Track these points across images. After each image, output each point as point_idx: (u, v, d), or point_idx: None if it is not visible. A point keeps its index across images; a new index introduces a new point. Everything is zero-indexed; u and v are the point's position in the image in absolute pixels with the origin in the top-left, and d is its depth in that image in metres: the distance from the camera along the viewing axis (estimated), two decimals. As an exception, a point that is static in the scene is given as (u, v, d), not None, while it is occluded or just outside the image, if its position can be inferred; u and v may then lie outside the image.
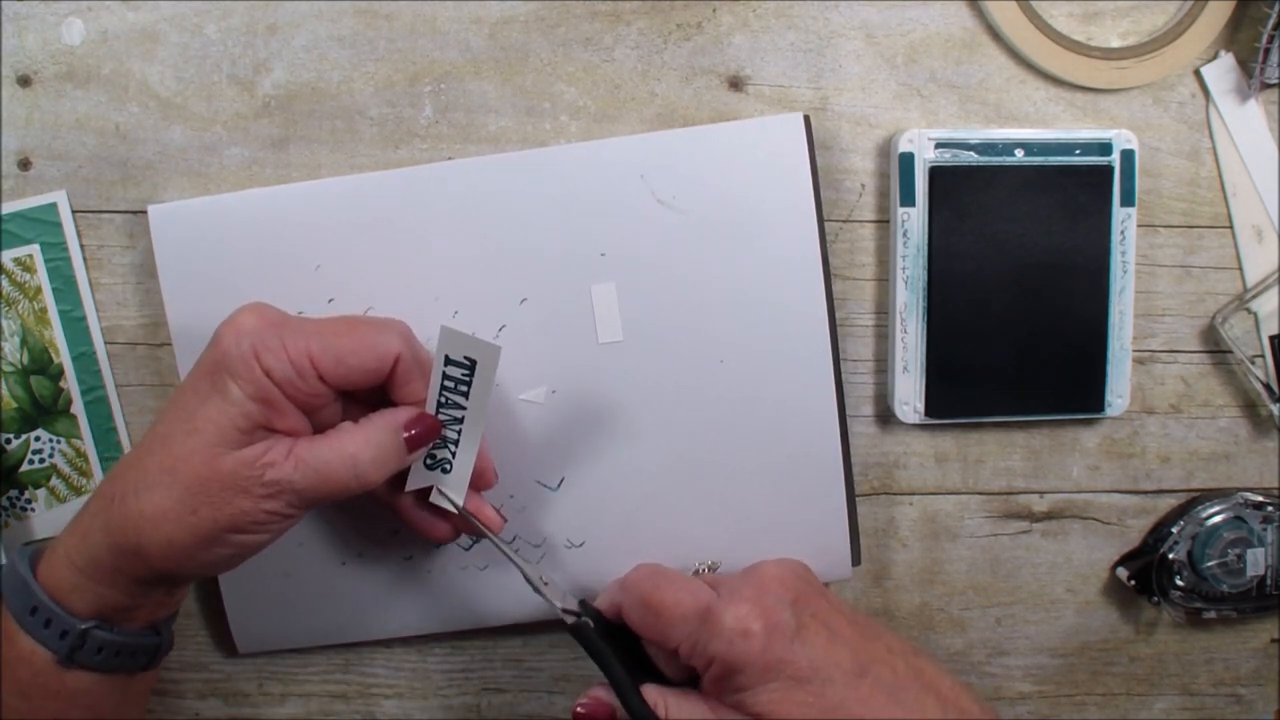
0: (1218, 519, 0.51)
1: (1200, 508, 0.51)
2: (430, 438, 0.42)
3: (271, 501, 0.39)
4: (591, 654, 0.42)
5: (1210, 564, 0.51)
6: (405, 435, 0.41)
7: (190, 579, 0.42)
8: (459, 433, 0.42)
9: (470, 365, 0.40)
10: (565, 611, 0.43)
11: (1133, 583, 0.52)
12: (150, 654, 0.42)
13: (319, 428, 0.41)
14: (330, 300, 0.47)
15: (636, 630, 0.42)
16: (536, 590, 0.43)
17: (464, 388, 0.41)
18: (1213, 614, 0.52)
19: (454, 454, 0.43)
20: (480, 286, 0.47)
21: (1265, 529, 0.51)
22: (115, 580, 0.39)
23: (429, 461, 0.43)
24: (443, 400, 0.41)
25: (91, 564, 0.39)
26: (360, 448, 0.40)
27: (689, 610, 0.40)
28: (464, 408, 0.41)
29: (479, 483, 0.44)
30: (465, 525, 0.45)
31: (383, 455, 0.40)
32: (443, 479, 0.43)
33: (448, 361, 0.40)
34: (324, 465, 0.39)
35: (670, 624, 0.40)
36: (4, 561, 0.43)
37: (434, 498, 0.43)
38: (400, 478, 0.43)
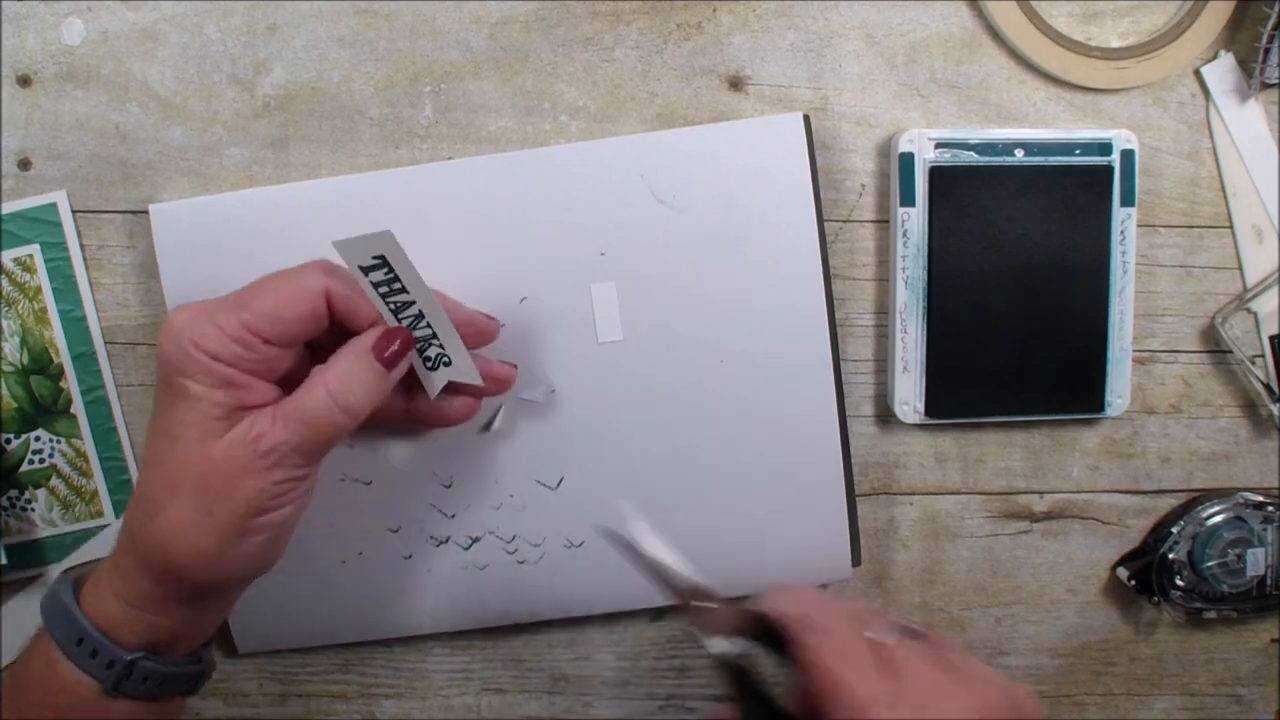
0: (1218, 519, 0.51)
1: (1200, 508, 0.51)
2: (404, 349, 0.41)
3: (276, 470, 0.38)
4: (739, 694, 0.40)
5: (1210, 564, 0.51)
6: (377, 357, 0.40)
7: (237, 582, 0.41)
8: (428, 323, 0.41)
9: (383, 260, 0.40)
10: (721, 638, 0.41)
11: (1133, 583, 0.52)
12: (193, 681, 0.42)
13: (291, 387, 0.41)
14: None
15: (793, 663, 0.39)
16: (682, 599, 0.41)
17: (396, 284, 0.40)
18: (1213, 614, 0.52)
19: (441, 343, 0.42)
20: (480, 286, 0.47)
21: (1265, 529, 0.51)
22: (166, 608, 0.39)
23: (429, 364, 0.42)
24: (393, 307, 0.41)
25: (140, 598, 0.39)
26: (335, 381, 0.39)
27: (852, 701, 0.36)
28: (412, 300, 0.41)
29: (479, 339, 0.44)
30: (491, 389, 0.44)
31: (360, 381, 0.39)
32: (450, 372, 0.43)
33: (364, 271, 0.40)
34: (307, 412, 0.38)
35: (831, 702, 0.37)
36: None
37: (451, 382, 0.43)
38: (404, 390, 0.43)
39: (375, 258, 0.39)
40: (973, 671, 0.38)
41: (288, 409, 0.39)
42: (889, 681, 0.37)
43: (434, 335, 0.42)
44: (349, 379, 0.39)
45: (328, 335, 0.41)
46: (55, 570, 0.50)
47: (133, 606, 0.39)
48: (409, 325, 0.41)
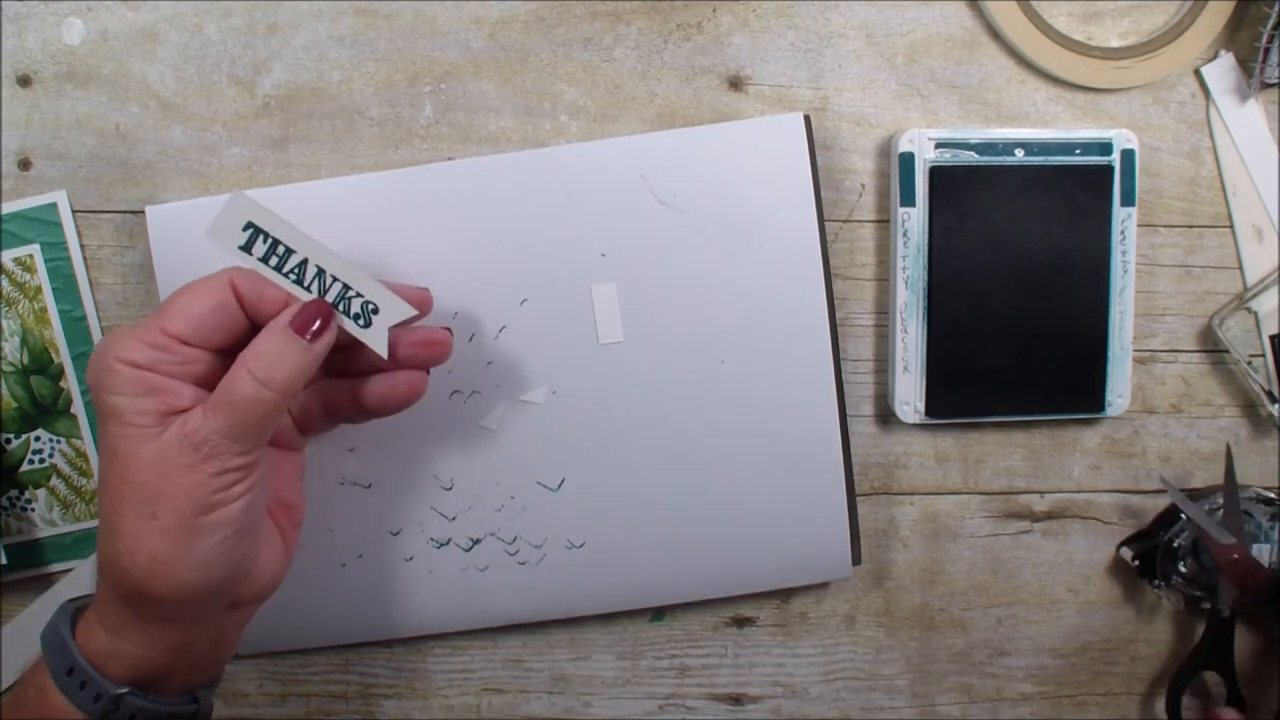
0: (1226, 512, 0.51)
1: (1210, 498, 0.51)
2: (321, 316, 0.39)
3: (213, 462, 0.37)
4: None
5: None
6: (297, 331, 0.39)
7: (206, 596, 0.39)
8: (331, 275, 0.40)
9: (253, 228, 0.39)
10: None
11: (1136, 563, 0.52)
12: None
13: None
14: (330, 300, 0.47)
15: None
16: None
17: (279, 247, 0.40)
18: (1211, 604, 0.52)
19: (356, 290, 0.40)
20: (481, 287, 0.47)
21: (1273, 526, 0.51)
22: (146, 633, 0.39)
23: (360, 321, 0.41)
24: (293, 275, 0.40)
25: (119, 625, 0.39)
26: (254, 359, 0.38)
27: None
28: (304, 258, 0.40)
29: (415, 305, 0.42)
30: (428, 346, 0.42)
31: (282, 356, 0.38)
32: (383, 318, 0.41)
33: (245, 250, 0.39)
34: (233, 395, 0.38)
35: None
36: None
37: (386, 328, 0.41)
38: (348, 379, 0.42)
39: (245, 229, 0.39)
40: None
41: (215, 398, 0.38)
42: None
43: (347, 287, 0.40)
44: (269, 355, 0.38)
45: (249, 337, 0.40)
46: (56, 569, 0.50)
47: (115, 635, 0.39)
48: (318, 288, 0.40)
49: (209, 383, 0.39)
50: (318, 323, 0.39)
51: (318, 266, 0.40)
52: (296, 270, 0.40)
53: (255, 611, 0.42)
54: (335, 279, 0.40)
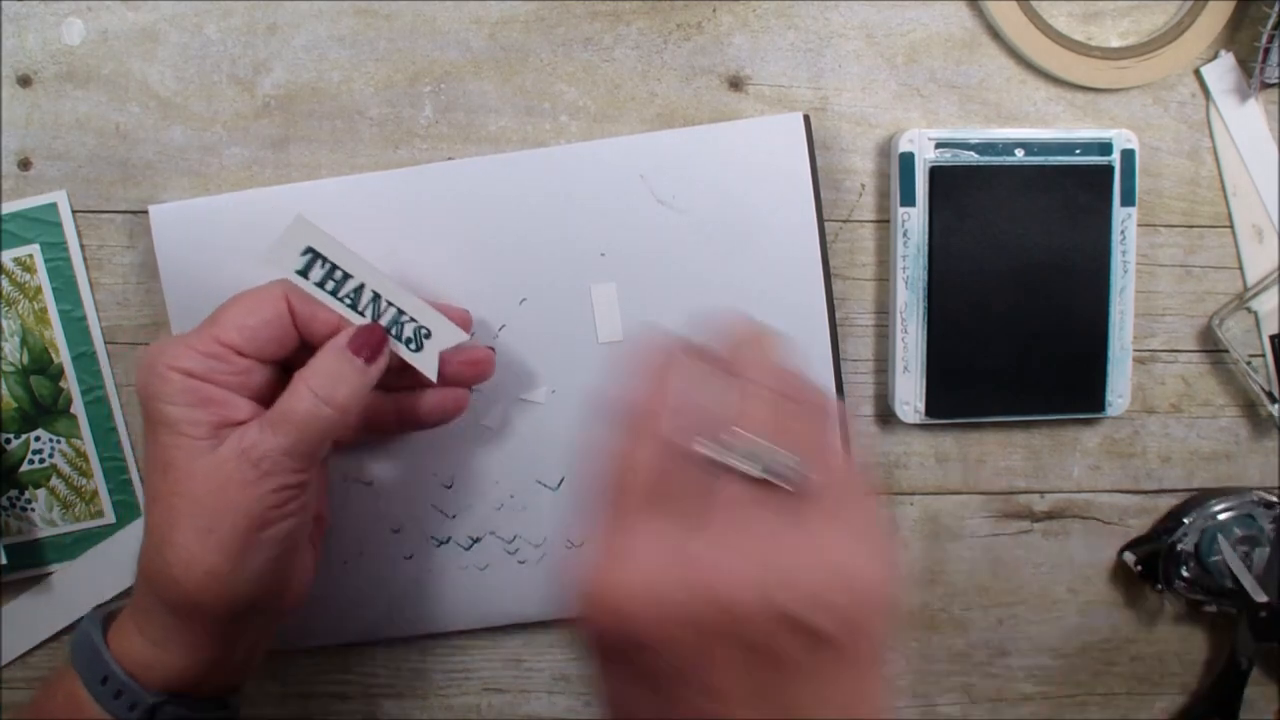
0: (1228, 515, 0.51)
1: (1212, 502, 0.51)
2: (376, 341, 0.40)
3: (271, 478, 0.38)
4: None
5: (1217, 558, 0.51)
6: (355, 352, 0.39)
7: (254, 610, 0.40)
8: (387, 300, 0.41)
9: (312, 253, 0.39)
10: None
11: (1139, 567, 0.52)
12: None
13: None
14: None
15: None
16: None
17: (337, 272, 0.40)
18: (1213, 608, 0.52)
19: (411, 315, 0.41)
20: (480, 286, 0.47)
21: (1276, 530, 0.51)
22: (189, 644, 0.39)
23: (411, 345, 0.42)
24: (348, 301, 0.40)
25: (163, 636, 0.39)
26: (314, 377, 0.39)
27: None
28: (360, 283, 0.40)
29: (463, 328, 0.43)
30: (473, 365, 0.43)
31: (342, 376, 0.39)
32: (435, 342, 0.42)
33: (302, 274, 0.40)
34: (294, 413, 0.38)
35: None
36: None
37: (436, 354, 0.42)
38: (392, 395, 0.43)
39: (304, 254, 0.39)
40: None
41: (274, 415, 0.38)
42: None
43: (400, 312, 0.41)
44: (329, 374, 0.39)
45: (302, 355, 0.41)
46: (56, 570, 0.50)
47: (156, 645, 0.39)
48: (371, 313, 0.41)
49: (261, 395, 0.40)
50: (362, 338, 0.40)
51: (374, 291, 0.41)
52: (352, 295, 0.40)
53: (285, 621, 0.43)
54: (390, 304, 0.41)
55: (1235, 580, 0.50)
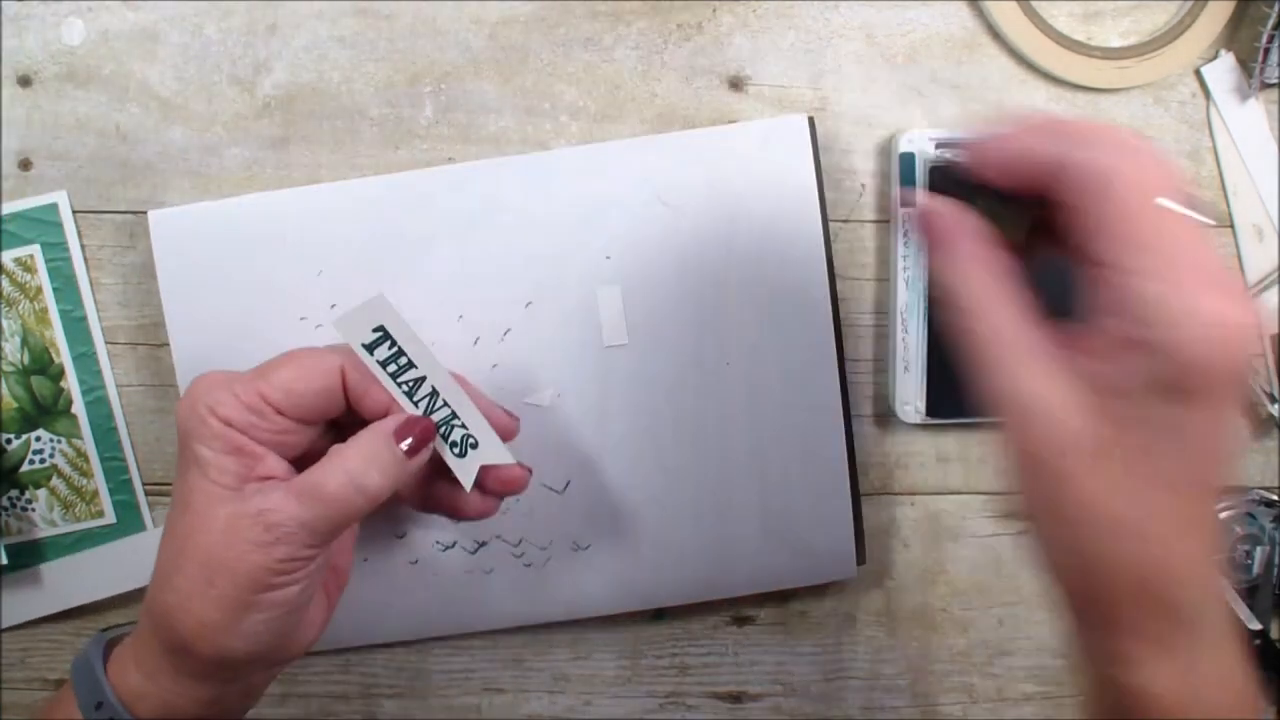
0: (1229, 514, 0.51)
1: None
2: (426, 438, 0.40)
3: (281, 547, 0.37)
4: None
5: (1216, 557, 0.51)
6: (400, 444, 0.39)
7: (249, 663, 0.39)
8: (444, 400, 0.40)
9: (383, 332, 0.39)
10: None
11: None
12: None
13: (304, 468, 0.40)
14: (333, 305, 0.47)
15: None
16: None
17: (402, 358, 0.40)
18: None
19: (463, 423, 0.41)
20: (485, 290, 0.47)
21: (1276, 528, 0.51)
22: (179, 682, 0.39)
23: (455, 450, 0.41)
24: (406, 388, 0.40)
25: (154, 669, 0.39)
26: (355, 461, 0.38)
27: (1155, 265, 0.29)
28: (422, 375, 0.40)
29: (501, 433, 0.42)
30: (508, 483, 0.43)
31: (381, 464, 0.39)
32: (479, 455, 0.41)
33: (368, 349, 0.39)
34: (322, 490, 0.37)
35: (1123, 272, 0.29)
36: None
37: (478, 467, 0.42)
38: (421, 480, 0.43)
39: (375, 330, 0.39)
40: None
41: (301, 484, 0.38)
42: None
43: (454, 415, 0.41)
44: (369, 460, 0.38)
45: (345, 419, 0.41)
46: (50, 568, 0.50)
47: (148, 678, 0.39)
48: (425, 406, 0.40)
49: (291, 452, 0.40)
50: (413, 432, 0.39)
51: (433, 387, 0.40)
52: (410, 384, 0.40)
53: (289, 665, 0.42)
54: (445, 404, 0.40)
55: (1233, 592, 0.50)
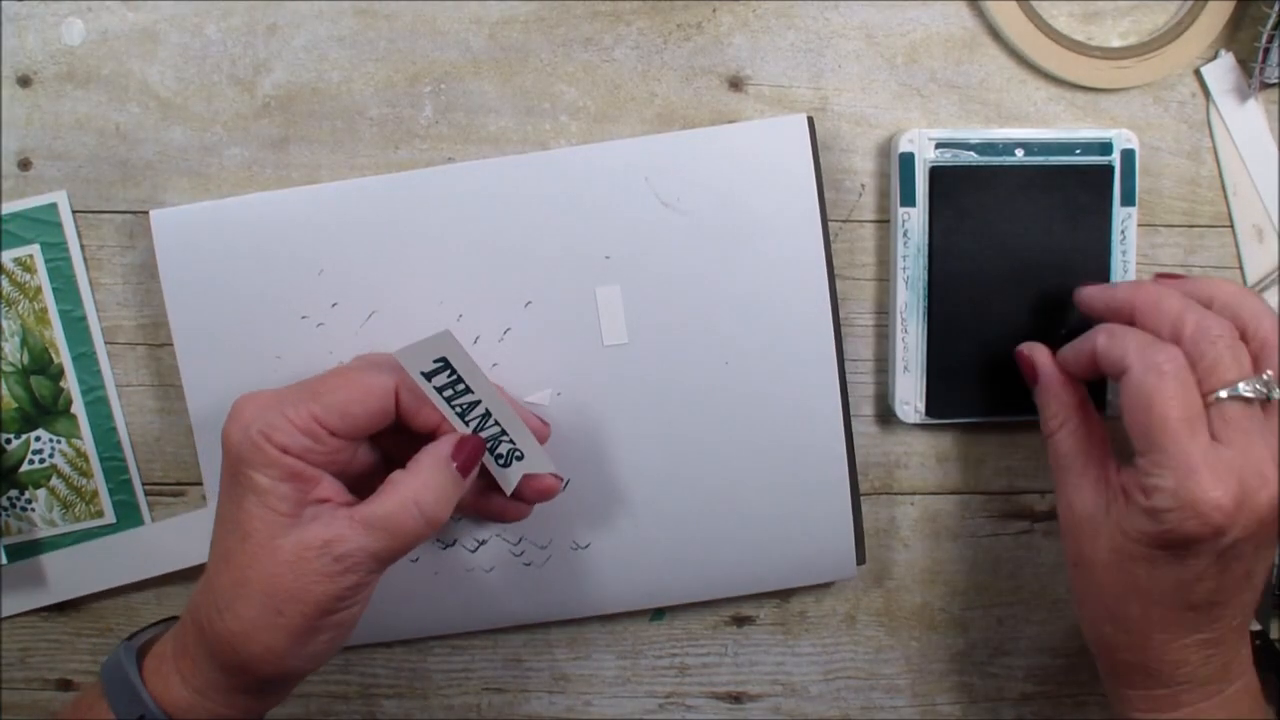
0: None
1: None
2: (478, 456, 0.42)
3: (349, 576, 0.38)
4: None
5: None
6: (454, 459, 0.41)
7: (302, 672, 0.41)
8: (495, 421, 0.42)
9: (445, 363, 0.40)
10: None
11: None
12: None
13: (354, 479, 0.41)
14: (334, 305, 0.47)
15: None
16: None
17: (460, 385, 0.41)
18: None
19: (511, 438, 0.43)
20: (485, 290, 0.47)
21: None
22: (232, 698, 0.40)
23: (501, 461, 0.43)
24: (459, 410, 0.42)
25: (207, 687, 0.39)
26: (421, 492, 0.39)
27: (1183, 458, 0.39)
28: (477, 399, 0.42)
29: (539, 435, 0.45)
30: (543, 491, 0.45)
31: (443, 491, 0.40)
32: (524, 465, 0.44)
33: (427, 377, 0.41)
34: (392, 521, 0.39)
35: (1158, 451, 0.40)
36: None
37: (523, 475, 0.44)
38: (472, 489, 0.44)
39: (436, 361, 0.40)
40: None
41: (369, 515, 0.39)
42: (1218, 445, 0.39)
43: (503, 432, 0.43)
44: (432, 489, 0.40)
45: (388, 428, 0.42)
46: (47, 562, 0.50)
47: (199, 694, 0.39)
48: (476, 425, 0.42)
49: (340, 469, 0.41)
50: (467, 453, 0.41)
51: (486, 409, 0.42)
52: (464, 407, 0.42)
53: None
54: (495, 422, 0.42)
55: None
